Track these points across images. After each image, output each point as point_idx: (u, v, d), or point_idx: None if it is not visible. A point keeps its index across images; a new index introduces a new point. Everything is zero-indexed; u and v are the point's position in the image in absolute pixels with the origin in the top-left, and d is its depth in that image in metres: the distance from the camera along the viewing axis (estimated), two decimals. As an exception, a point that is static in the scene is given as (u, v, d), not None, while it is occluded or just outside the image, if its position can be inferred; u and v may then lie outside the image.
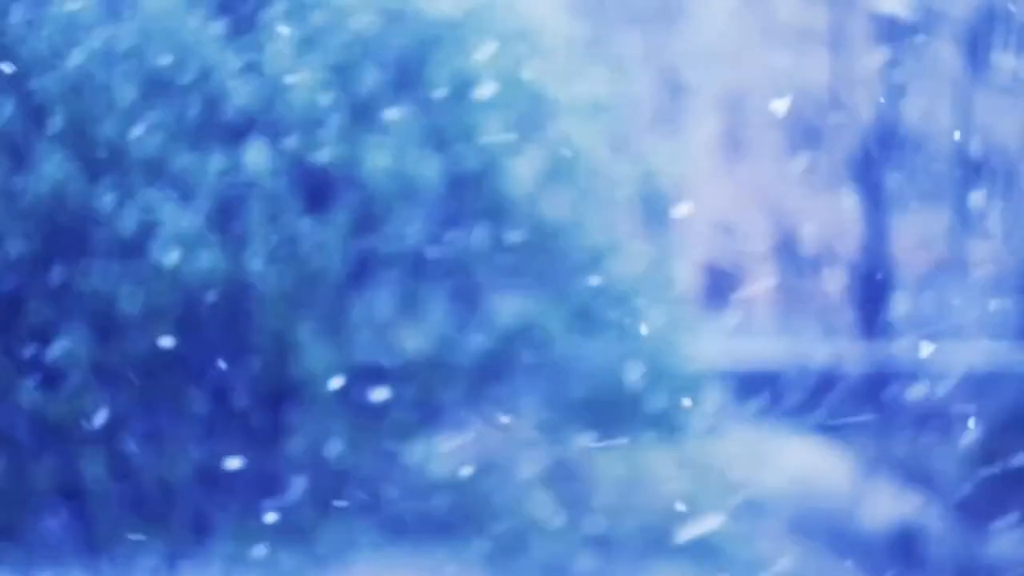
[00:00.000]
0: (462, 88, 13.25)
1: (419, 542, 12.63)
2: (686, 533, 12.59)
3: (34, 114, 12.87)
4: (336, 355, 12.82)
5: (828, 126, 15.68)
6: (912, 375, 14.58)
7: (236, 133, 12.95)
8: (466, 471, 12.79)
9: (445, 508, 12.83)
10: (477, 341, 13.12)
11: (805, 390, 14.24)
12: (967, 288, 15.17)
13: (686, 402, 13.36)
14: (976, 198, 15.24)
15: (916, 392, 14.21)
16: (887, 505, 13.86)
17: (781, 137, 15.87)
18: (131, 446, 12.74)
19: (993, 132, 15.23)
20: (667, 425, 13.31)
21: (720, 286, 15.59)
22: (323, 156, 12.94)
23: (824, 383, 14.42)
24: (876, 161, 15.56)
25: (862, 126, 15.55)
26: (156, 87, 12.86)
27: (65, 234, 12.77)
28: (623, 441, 13.15)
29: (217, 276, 12.66)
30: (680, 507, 12.79)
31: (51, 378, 12.67)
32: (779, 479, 13.60)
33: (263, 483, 12.73)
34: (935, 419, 14.02)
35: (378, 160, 12.95)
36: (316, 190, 13.01)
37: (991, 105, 15.48)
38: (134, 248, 12.69)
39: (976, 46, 15.20)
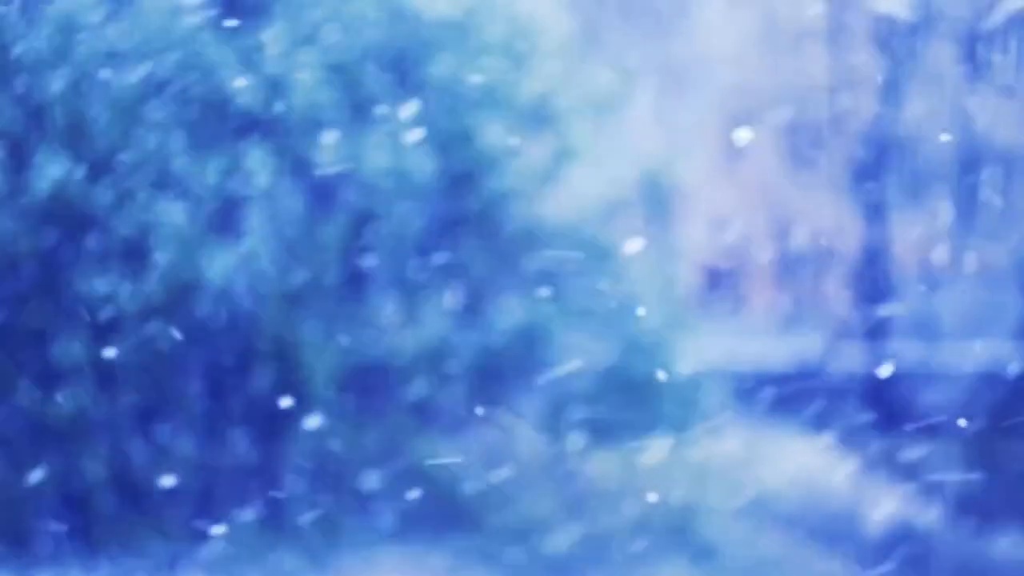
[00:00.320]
0: (462, 88, 13.26)
1: (417, 540, 12.63)
2: (686, 532, 12.60)
3: (34, 114, 12.87)
4: (336, 355, 12.83)
5: (828, 126, 15.68)
6: (912, 375, 14.58)
7: (236, 133, 12.95)
8: (466, 471, 12.79)
9: (445, 508, 12.84)
10: (477, 341, 13.12)
11: (805, 390, 14.23)
12: (967, 288, 15.17)
13: (686, 402, 13.36)
14: (976, 198, 15.23)
15: (916, 392, 14.20)
16: (887, 505, 13.85)
17: (781, 137, 15.87)
18: (131, 446, 12.74)
19: (992, 132, 15.24)
20: (667, 425, 13.31)
21: (720, 286, 15.60)
22: (323, 156, 12.94)
23: (824, 383, 14.42)
24: (876, 161, 15.56)
25: (862, 126, 15.55)
26: (156, 87, 12.86)
27: (65, 234, 12.77)
28: (623, 441, 13.16)
29: (217, 276, 12.66)
30: (680, 507, 12.80)
31: (51, 378, 12.66)
32: (779, 479, 13.59)
33: (262, 482, 12.74)
34: (935, 419, 14.01)
35: (378, 160, 12.95)
36: (316, 190, 13.01)
37: (990, 105, 15.48)
38: (134, 248, 12.69)
39: (976, 46, 15.21)
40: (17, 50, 12.82)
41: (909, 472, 14.08)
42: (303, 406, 12.78)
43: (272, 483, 12.75)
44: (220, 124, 12.96)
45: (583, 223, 13.56)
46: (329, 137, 12.91)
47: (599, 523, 12.90)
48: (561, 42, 13.79)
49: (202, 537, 12.47)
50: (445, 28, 13.40)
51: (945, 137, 15.31)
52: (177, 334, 12.58)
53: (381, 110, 13.07)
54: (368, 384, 12.94)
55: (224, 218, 12.82)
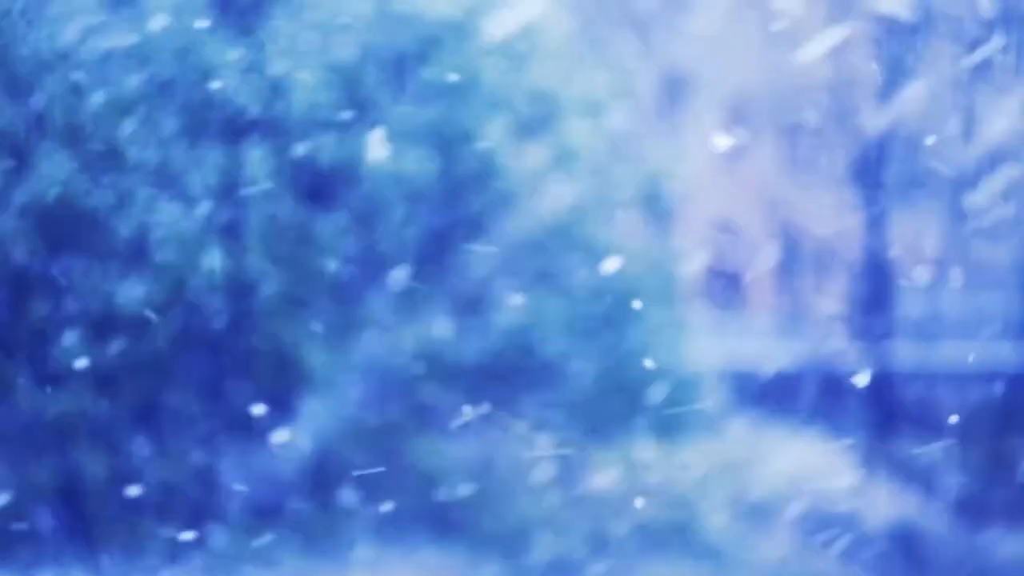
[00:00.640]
0: (462, 88, 13.25)
1: (416, 541, 12.63)
2: (685, 533, 12.59)
3: (34, 114, 12.87)
4: (336, 355, 12.84)
5: (828, 126, 15.67)
6: (912, 375, 14.58)
7: (236, 133, 12.95)
8: (466, 471, 12.79)
9: (445, 508, 12.84)
10: (477, 341, 13.12)
11: (805, 390, 14.23)
12: (966, 288, 15.16)
13: (686, 402, 13.36)
14: (976, 197, 15.23)
15: (916, 392, 14.20)
16: (887, 505, 13.85)
17: (781, 137, 15.87)
18: (131, 446, 12.74)
19: (992, 132, 15.23)
20: (668, 425, 13.31)
21: (720, 286, 15.59)
22: (323, 156, 12.94)
23: (824, 383, 14.41)
24: (876, 162, 15.56)
25: (862, 126, 15.54)
26: (157, 87, 12.86)
27: (65, 234, 12.77)
28: (622, 441, 13.16)
29: (217, 276, 12.66)
30: (679, 507, 12.80)
31: (51, 378, 12.66)
32: (779, 479, 13.59)
33: (263, 480, 12.74)
34: (935, 419, 14.01)
35: (378, 160, 12.95)
36: (316, 190, 13.01)
37: (990, 105, 15.48)
38: (134, 248, 12.69)
39: (976, 46, 15.19)
40: (17, 50, 12.83)
41: (909, 472, 14.08)
42: (303, 406, 12.79)
43: (269, 484, 12.74)
44: (220, 124, 12.97)
45: (583, 223, 13.56)
46: (329, 137, 12.91)
47: (598, 523, 12.90)
48: (561, 42, 13.80)
49: (202, 536, 12.48)
50: (445, 28, 13.40)
51: (945, 137, 15.30)
52: (176, 334, 12.59)
53: (381, 110, 13.07)
54: (368, 384, 12.94)
55: (224, 218, 12.83)
